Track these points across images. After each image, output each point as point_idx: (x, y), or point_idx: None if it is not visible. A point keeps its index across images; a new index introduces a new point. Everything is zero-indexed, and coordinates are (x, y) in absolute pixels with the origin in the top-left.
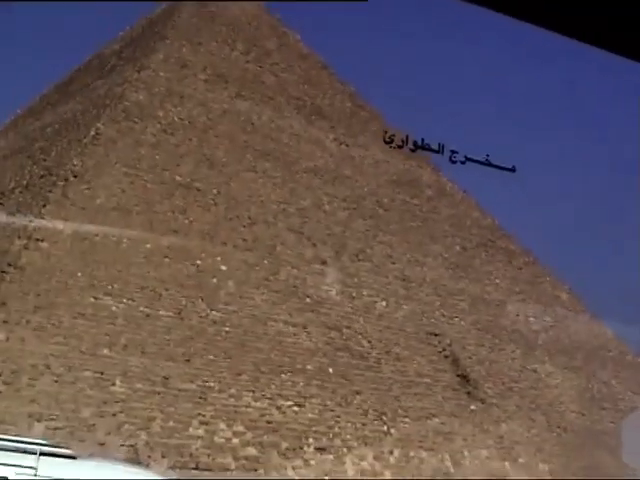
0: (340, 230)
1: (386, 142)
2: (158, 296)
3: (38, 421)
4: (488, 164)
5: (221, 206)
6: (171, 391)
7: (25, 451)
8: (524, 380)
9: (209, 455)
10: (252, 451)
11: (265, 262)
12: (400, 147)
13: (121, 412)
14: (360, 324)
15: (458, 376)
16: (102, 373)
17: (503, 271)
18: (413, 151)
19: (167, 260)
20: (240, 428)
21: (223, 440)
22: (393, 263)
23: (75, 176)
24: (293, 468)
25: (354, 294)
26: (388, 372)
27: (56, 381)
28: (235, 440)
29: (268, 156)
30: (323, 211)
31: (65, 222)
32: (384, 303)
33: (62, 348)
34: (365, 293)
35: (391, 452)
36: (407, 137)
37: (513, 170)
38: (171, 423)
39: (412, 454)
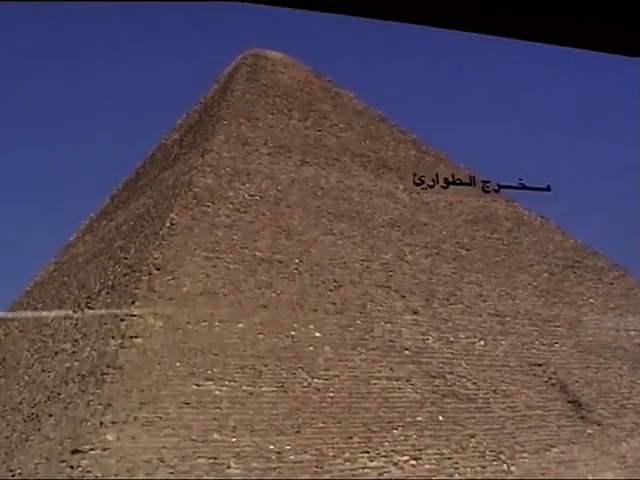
0: (426, 277)
1: (416, 184)
2: (258, 373)
3: None
4: (523, 187)
5: (305, 274)
6: (287, 465)
7: None
8: (636, 395)
9: None
10: None
11: (358, 322)
12: (431, 187)
13: None
14: (462, 367)
15: (569, 402)
16: (216, 458)
17: (595, 289)
18: (445, 188)
19: (261, 336)
20: None
21: None
22: (484, 301)
23: (158, 269)
24: None
25: (451, 338)
26: (498, 410)
27: (172, 473)
28: None
29: (343, 217)
30: (406, 262)
31: (156, 315)
32: (482, 342)
33: (173, 439)
34: (462, 335)
35: None
36: (437, 175)
37: (549, 190)
38: None
39: None
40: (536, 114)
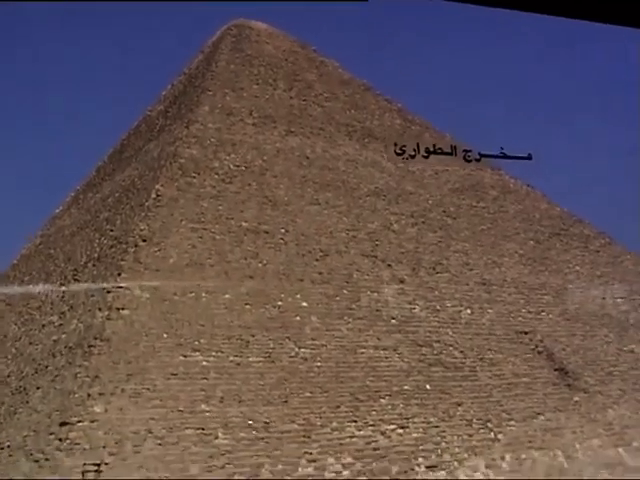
0: (413, 246)
1: (397, 154)
2: (245, 343)
3: None
4: (504, 156)
5: (291, 244)
6: (274, 435)
7: None
8: (623, 363)
9: None
10: None
11: (344, 291)
12: (412, 157)
13: (229, 463)
14: (449, 336)
15: (556, 370)
16: (203, 428)
17: (581, 257)
18: (426, 157)
19: (248, 306)
20: (348, 459)
21: (334, 474)
22: (471, 269)
23: (144, 240)
24: None
25: (438, 307)
26: (485, 378)
27: (160, 444)
28: (345, 472)
29: (328, 186)
30: (392, 231)
31: (142, 286)
32: (469, 310)
33: (160, 411)
34: (448, 304)
35: (502, 457)
36: (418, 145)
37: (530, 158)
38: (280, 466)
39: (524, 456)
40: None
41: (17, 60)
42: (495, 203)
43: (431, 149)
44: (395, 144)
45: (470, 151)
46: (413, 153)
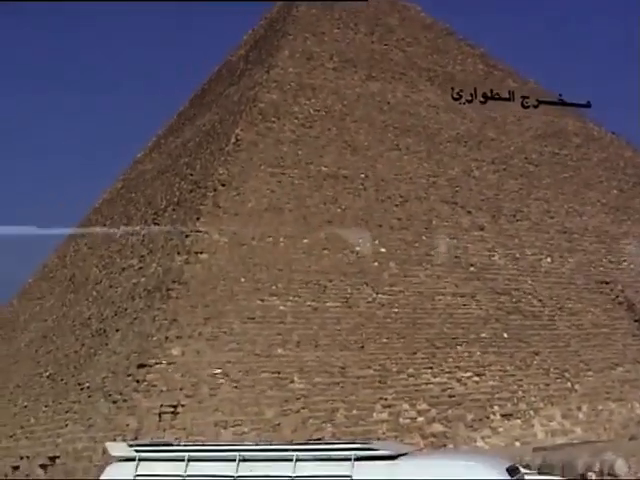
0: (493, 193)
1: (454, 99)
2: (323, 288)
3: (224, 428)
4: (562, 103)
5: (370, 189)
6: (350, 380)
7: (338, 459)
8: None
9: (396, 437)
10: (439, 427)
11: (423, 238)
12: (469, 102)
13: (304, 408)
14: (528, 284)
15: (636, 321)
16: (279, 372)
17: None
18: (483, 103)
19: (326, 252)
20: (423, 406)
21: (408, 420)
22: (552, 217)
23: (223, 185)
24: (482, 438)
25: (517, 255)
26: (564, 328)
27: (236, 387)
28: (420, 419)
29: (409, 132)
30: (473, 177)
31: (221, 231)
32: (549, 259)
33: (237, 354)
34: (528, 252)
35: (579, 408)
36: (475, 90)
37: (589, 106)
38: (354, 411)
39: (600, 407)
40: None
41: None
42: (578, 151)
43: (488, 94)
44: (452, 88)
45: (528, 97)
46: (470, 98)
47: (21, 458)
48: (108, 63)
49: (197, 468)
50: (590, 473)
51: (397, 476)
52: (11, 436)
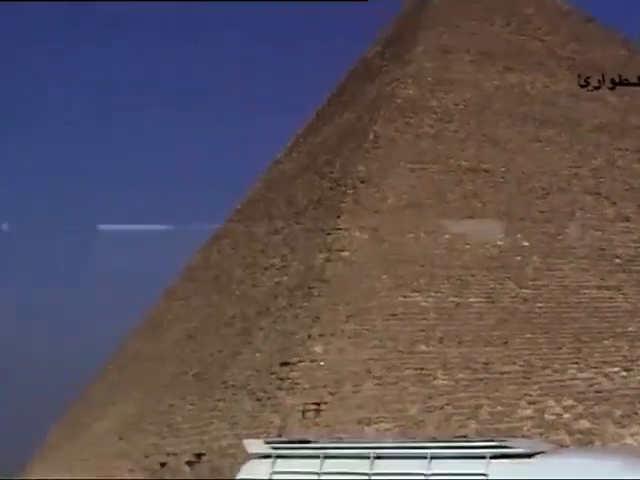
0: (638, 183)
1: (582, 86)
2: (465, 284)
3: (367, 425)
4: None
5: (512, 182)
6: (494, 376)
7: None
8: None
9: (541, 434)
10: (585, 424)
11: (567, 230)
12: (597, 88)
13: (447, 404)
14: None
15: None
16: (422, 369)
17: None
18: (612, 89)
19: (468, 247)
20: (569, 402)
21: (554, 417)
22: None
23: (362, 182)
24: (631, 435)
25: None
26: None
27: (379, 384)
28: (566, 415)
29: (549, 123)
30: (617, 167)
31: (361, 228)
32: None
33: (379, 351)
34: None
35: None
36: (603, 76)
37: None
38: (499, 408)
39: None
40: None
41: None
42: None
43: (617, 80)
44: (579, 75)
45: None
46: (598, 84)
47: (168, 455)
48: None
49: (332, 465)
50: None
51: (533, 475)
52: (158, 434)
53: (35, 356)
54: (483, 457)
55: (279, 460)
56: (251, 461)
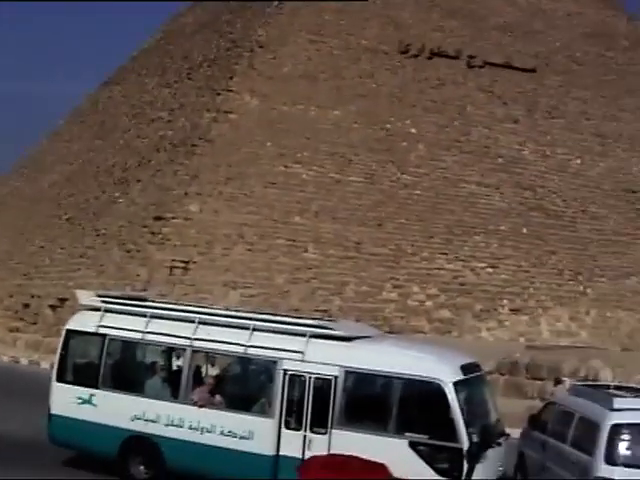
0: (532, 87)
1: (402, 52)
2: (348, 162)
3: (233, 289)
4: (509, 67)
5: (409, 67)
6: (363, 256)
7: (294, 333)
8: None
9: (402, 318)
10: (446, 313)
11: (455, 123)
12: (416, 56)
13: (314, 278)
14: (554, 183)
15: None
16: (294, 240)
17: None
18: (430, 59)
19: (356, 125)
20: (433, 291)
21: (416, 303)
22: (587, 119)
23: (261, 46)
24: (487, 329)
25: (547, 152)
26: (584, 231)
27: (249, 250)
28: (428, 303)
29: (456, 14)
30: (514, 68)
31: (252, 92)
32: (579, 160)
33: (254, 217)
34: (559, 151)
35: (587, 312)
36: (423, 46)
37: (534, 71)
38: (364, 287)
39: (609, 314)
40: None
41: None
42: (625, 54)
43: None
44: (400, 42)
45: (475, 57)
46: (417, 53)
47: (32, 297)
48: None
49: (157, 326)
50: (564, 378)
51: (347, 358)
52: (25, 275)
53: None
54: (303, 335)
55: (108, 314)
56: (81, 312)
